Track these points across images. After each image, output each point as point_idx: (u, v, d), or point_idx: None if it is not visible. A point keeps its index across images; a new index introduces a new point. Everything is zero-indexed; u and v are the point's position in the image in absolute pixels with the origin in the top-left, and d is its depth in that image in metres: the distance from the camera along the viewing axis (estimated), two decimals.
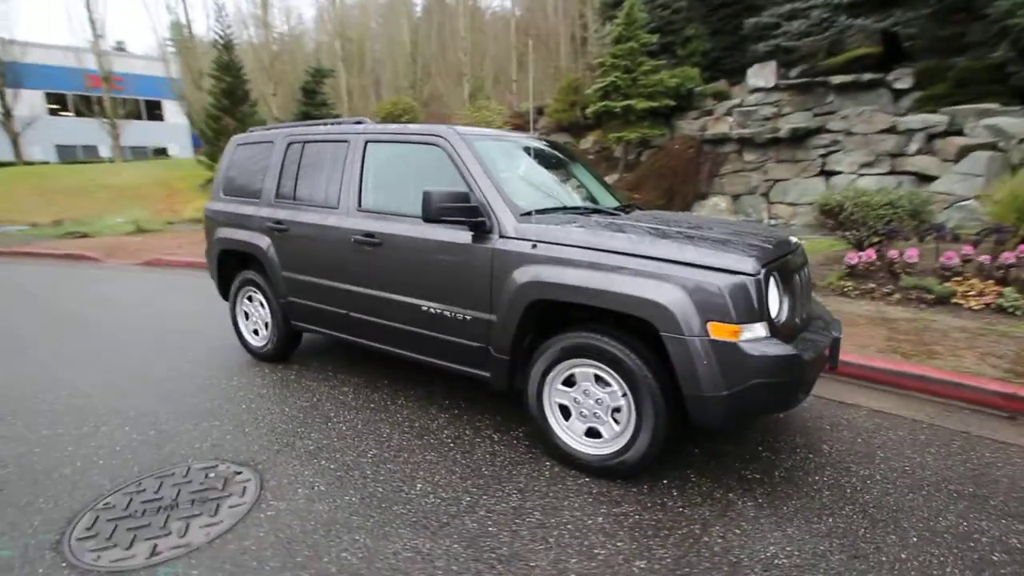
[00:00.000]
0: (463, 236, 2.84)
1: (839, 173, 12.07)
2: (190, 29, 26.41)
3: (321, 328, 3.73)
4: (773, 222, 13.01)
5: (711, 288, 2.19)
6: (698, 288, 2.21)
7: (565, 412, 2.67)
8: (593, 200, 3.45)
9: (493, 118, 18.42)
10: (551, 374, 2.64)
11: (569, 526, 2.25)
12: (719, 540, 2.16)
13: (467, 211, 2.72)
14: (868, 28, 14.66)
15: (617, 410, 2.50)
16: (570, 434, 2.65)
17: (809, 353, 2.32)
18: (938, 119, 10.90)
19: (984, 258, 4.89)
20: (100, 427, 3.16)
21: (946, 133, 10.74)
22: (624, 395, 2.45)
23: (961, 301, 4.74)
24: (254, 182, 4.02)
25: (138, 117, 33.08)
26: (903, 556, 2.07)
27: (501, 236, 2.72)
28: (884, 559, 2.06)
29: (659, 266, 2.30)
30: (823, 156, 12.45)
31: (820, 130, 12.59)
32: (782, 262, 2.48)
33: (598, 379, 2.53)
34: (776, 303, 2.33)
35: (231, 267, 4.30)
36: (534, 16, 25.50)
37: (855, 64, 18.02)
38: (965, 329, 4.26)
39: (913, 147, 11.04)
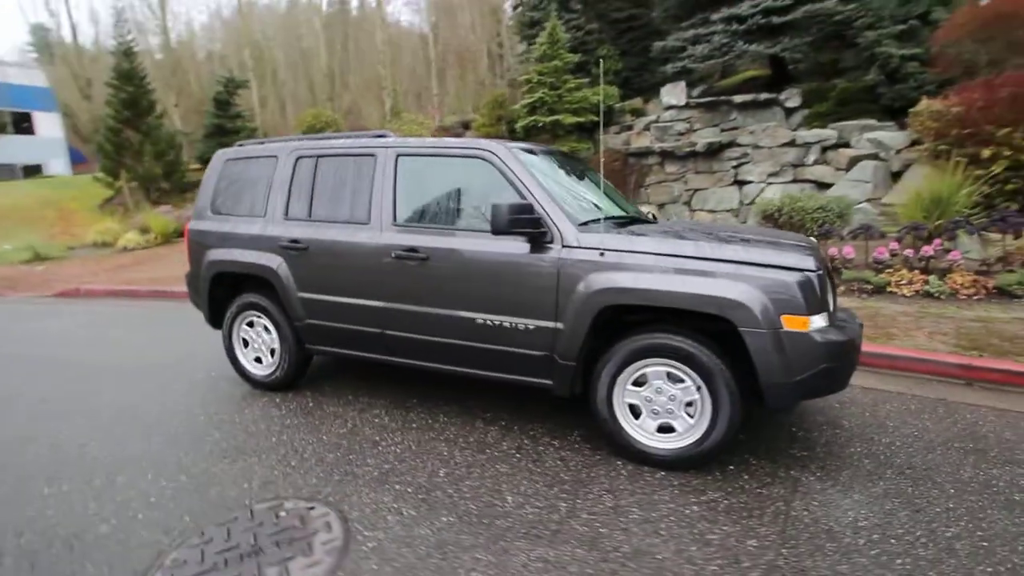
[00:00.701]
0: (521, 247, 2.89)
1: (750, 182, 13.39)
2: (75, 35, 23.58)
3: (346, 350, 3.57)
4: None
5: (783, 285, 2.44)
6: (771, 285, 2.45)
7: (634, 411, 2.80)
8: (621, 209, 3.63)
9: (421, 132, 18.30)
10: (621, 375, 2.76)
11: (671, 517, 2.37)
12: (805, 513, 2.39)
13: (532, 223, 2.78)
14: (760, 53, 16.42)
15: (689, 404, 2.67)
16: (642, 432, 2.78)
17: (858, 338, 2.64)
18: (829, 133, 12.45)
19: (908, 252, 5.72)
20: (115, 478, 2.80)
21: (836, 145, 12.30)
22: (698, 388, 2.63)
23: (895, 290, 5.50)
24: (254, 199, 3.77)
25: (2, 131, 28.88)
26: (950, 506, 2.42)
27: (564, 246, 2.80)
28: (938, 510, 2.39)
29: (731, 267, 2.52)
30: (735, 167, 13.74)
31: (731, 144, 13.89)
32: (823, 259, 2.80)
33: (670, 376, 2.68)
34: (829, 296, 2.63)
35: (224, 291, 3.97)
36: (454, 32, 25.75)
37: (748, 84, 20.08)
38: (907, 313, 4.96)
39: (811, 158, 12.52)
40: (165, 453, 3.04)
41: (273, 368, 3.84)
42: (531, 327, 2.90)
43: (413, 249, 3.13)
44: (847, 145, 12.23)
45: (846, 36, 15.49)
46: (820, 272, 2.49)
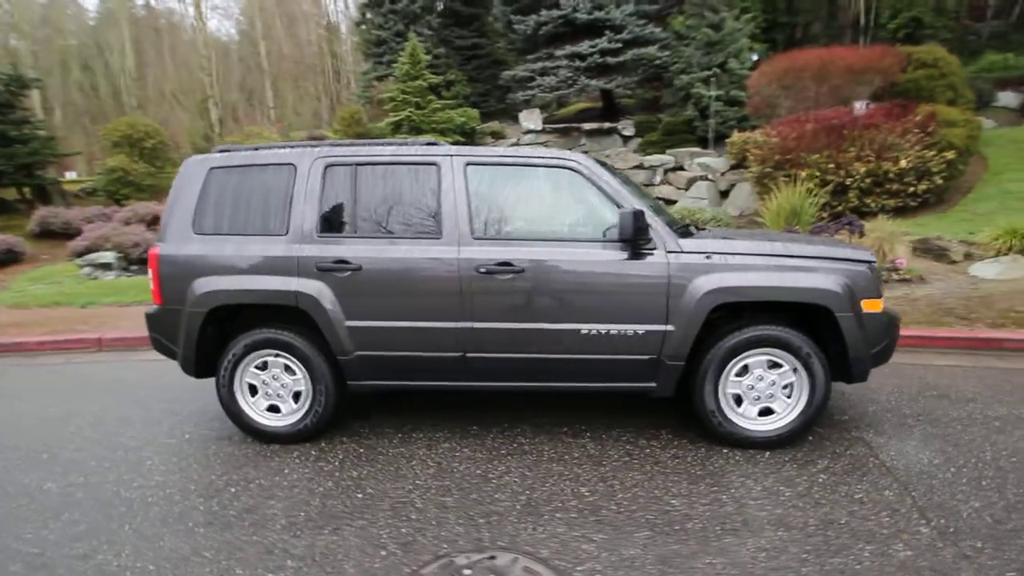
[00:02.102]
0: (620, 254, 2.94)
1: None
2: None
3: (409, 381, 3.17)
4: None
5: (861, 275, 2.92)
6: (853, 276, 2.90)
7: (737, 400, 3.03)
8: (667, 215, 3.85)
9: None
10: (727, 368, 2.97)
11: (813, 488, 2.63)
12: (895, 462, 2.85)
13: (644, 230, 2.85)
14: (599, 87, 18.52)
15: (786, 387, 3.00)
16: (745, 418, 3.02)
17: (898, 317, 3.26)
18: (667, 158, 14.58)
19: None
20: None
21: (675, 168, 14.46)
22: (795, 371, 2.97)
23: None
24: (266, 214, 3.13)
25: None
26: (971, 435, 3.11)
27: (669, 251, 2.93)
28: (969, 438, 3.05)
29: (821, 263, 2.92)
30: None
31: None
32: None
33: (770, 364, 2.98)
34: None
35: (217, 329, 3.20)
36: (290, 44, 23.79)
37: (582, 114, 22.43)
38: None
39: (657, 179, 14.50)
40: (243, 544, 2.33)
41: (300, 415, 3.19)
42: (640, 332, 2.95)
43: (506, 263, 2.94)
44: (683, 168, 14.48)
45: (664, 78, 18.36)
46: (876, 263, 3.04)
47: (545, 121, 19.81)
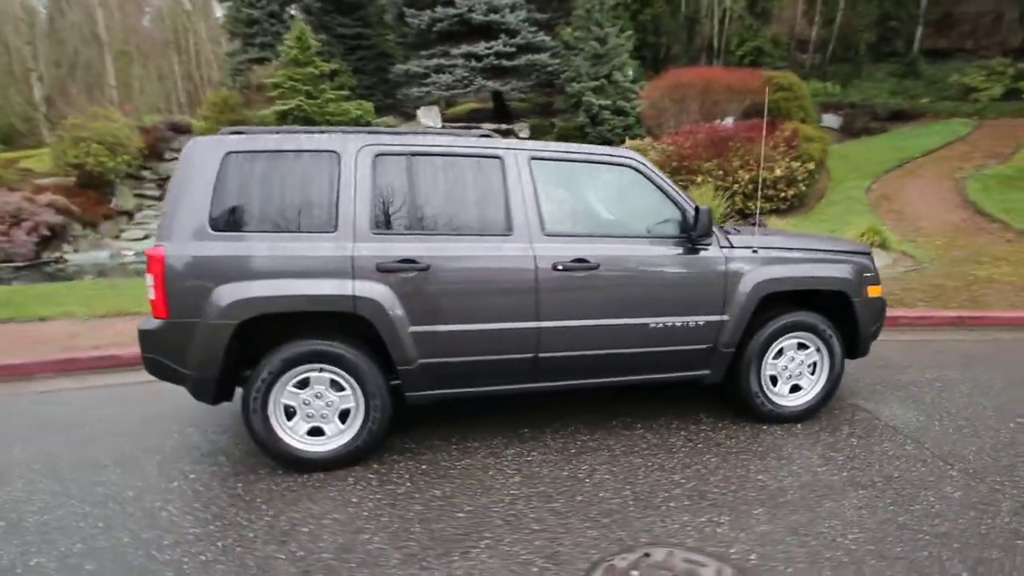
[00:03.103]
0: (678, 249, 3.08)
1: None
2: None
3: (475, 388, 2.97)
4: None
5: (866, 266, 3.39)
6: (860, 267, 3.37)
7: (773, 380, 3.34)
8: None
9: (121, 132, 14.09)
10: (767, 352, 3.27)
11: (856, 451, 3.02)
12: (896, 423, 3.38)
13: (711, 226, 3.02)
14: (495, 89, 18.79)
15: (811, 365, 3.38)
16: (780, 395, 3.34)
17: None
18: None
19: None
20: None
21: None
22: (818, 350, 3.36)
23: None
24: (308, 208, 2.72)
25: None
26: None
27: (722, 246, 3.14)
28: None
29: (839, 256, 3.35)
30: None
31: None
32: None
33: (799, 345, 3.34)
34: None
35: (239, 344, 2.70)
36: (133, 15, 20.26)
37: (473, 114, 22.62)
38: None
39: None
40: None
41: (351, 436, 2.82)
42: (701, 323, 3.11)
43: (581, 259, 2.91)
44: None
45: (556, 84, 19.22)
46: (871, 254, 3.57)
47: (442, 120, 19.62)
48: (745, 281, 3.13)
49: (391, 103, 21.49)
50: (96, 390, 4.22)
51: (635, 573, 2.07)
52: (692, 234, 3.03)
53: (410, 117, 20.42)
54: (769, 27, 21.40)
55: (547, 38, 18.90)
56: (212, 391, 2.72)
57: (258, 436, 2.73)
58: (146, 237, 13.44)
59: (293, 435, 2.79)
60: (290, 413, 2.79)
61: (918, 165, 12.65)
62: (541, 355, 2.95)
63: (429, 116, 17.46)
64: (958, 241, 8.42)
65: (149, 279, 2.63)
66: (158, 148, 15.71)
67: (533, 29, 18.72)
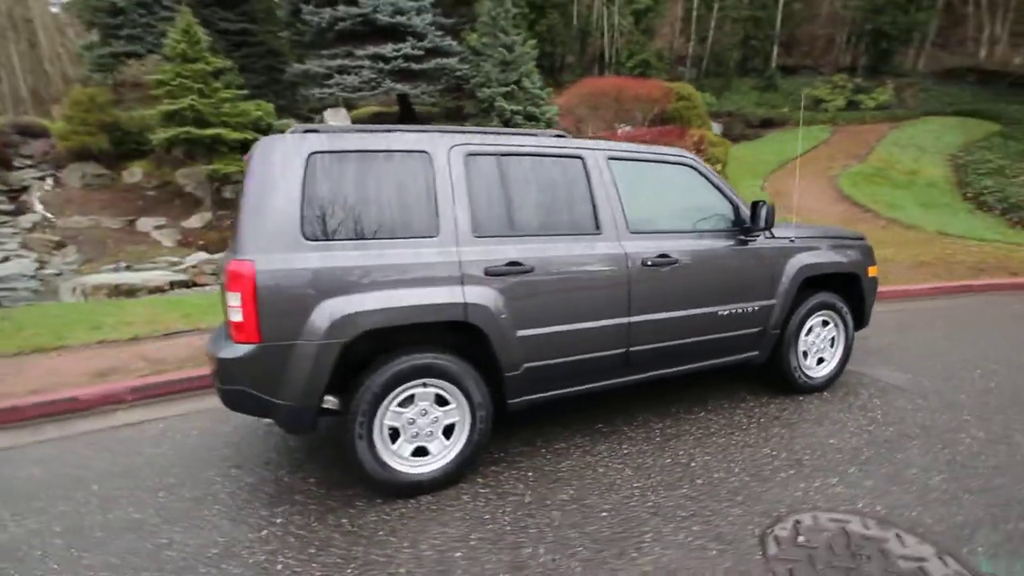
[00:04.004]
0: (731, 240, 3.33)
1: None
2: None
3: (569, 387, 2.93)
4: None
5: (867, 249, 3.91)
6: (863, 250, 3.88)
7: (804, 356, 3.72)
8: None
9: None
10: (801, 331, 3.64)
11: (888, 411, 3.48)
12: (898, 393, 3.94)
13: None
14: (405, 92, 18.38)
15: (831, 340, 3.82)
16: (812, 369, 3.73)
17: None
18: None
19: None
20: None
21: None
22: (836, 326, 3.81)
23: None
24: (406, 211, 2.52)
25: None
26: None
27: (768, 236, 3.44)
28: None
29: (847, 242, 3.81)
30: None
31: None
32: None
33: (824, 322, 3.76)
34: None
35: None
36: None
37: (378, 118, 21.93)
38: None
39: None
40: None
41: (456, 452, 2.65)
42: (756, 308, 3.38)
43: (664, 255, 3.02)
44: None
45: (465, 89, 19.25)
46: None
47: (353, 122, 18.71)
48: (788, 268, 3.47)
49: (284, 104, 20.10)
50: (64, 442, 3.49)
51: (802, 539, 2.22)
52: (747, 226, 3.29)
53: (307, 119, 19.23)
54: (653, 42, 23.34)
55: (454, 43, 18.87)
56: (311, 421, 2.42)
57: (364, 465, 2.48)
58: (5, 259, 11.19)
59: (399, 458, 2.57)
60: (395, 435, 2.57)
61: (796, 166, 14.62)
62: (632, 349, 3.02)
63: (337, 119, 16.59)
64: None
65: (234, 299, 2.27)
66: (4, 155, 13.19)
67: (440, 33, 18.61)
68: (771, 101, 22.46)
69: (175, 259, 11.92)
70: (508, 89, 17.76)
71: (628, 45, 23.05)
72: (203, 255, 12.11)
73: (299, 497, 2.67)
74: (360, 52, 17.45)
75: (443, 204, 2.59)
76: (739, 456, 2.93)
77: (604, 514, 2.45)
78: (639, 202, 3.13)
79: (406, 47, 17.52)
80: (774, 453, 2.95)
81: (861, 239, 3.99)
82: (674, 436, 3.19)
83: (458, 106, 19.80)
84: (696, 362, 3.33)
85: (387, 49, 17.30)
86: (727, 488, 2.63)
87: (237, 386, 2.32)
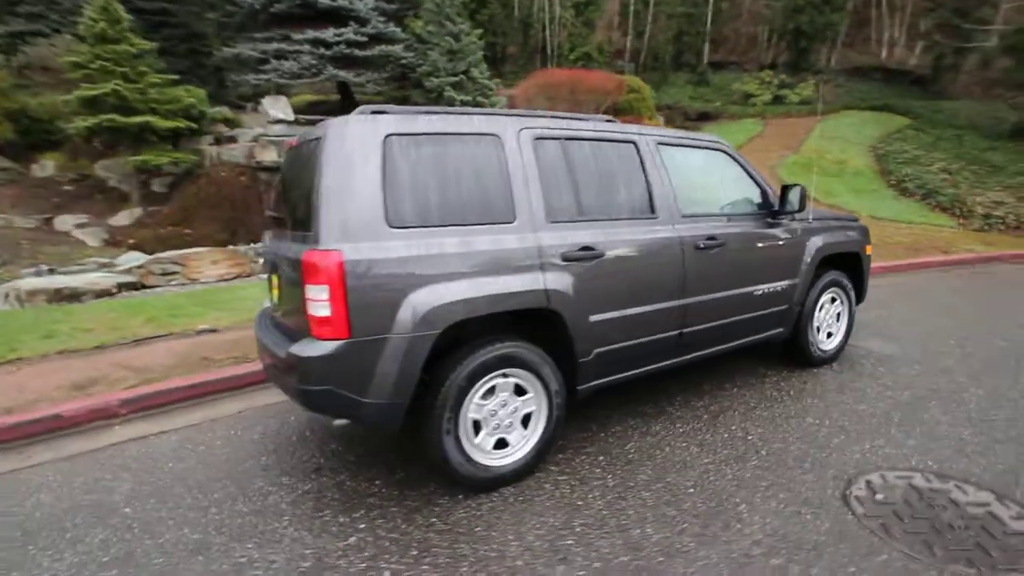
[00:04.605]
0: (773, 223, 3.49)
1: None
2: None
3: (632, 371, 2.96)
4: None
5: (864, 230, 4.21)
6: (862, 231, 4.18)
7: (817, 331, 3.97)
8: None
9: None
10: (816, 307, 3.87)
11: (897, 378, 3.79)
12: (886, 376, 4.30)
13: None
14: (350, 80, 17.65)
15: (837, 315, 4.10)
16: (824, 342, 3.99)
17: None
18: None
19: None
20: None
21: None
22: (841, 302, 4.09)
23: None
24: (482, 196, 2.43)
25: None
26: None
27: (793, 219, 3.62)
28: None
29: (848, 224, 4.10)
30: None
31: None
32: None
33: (832, 299, 4.02)
34: None
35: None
36: None
37: (316, 107, 20.94)
38: None
39: None
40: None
41: (534, 442, 2.61)
42: (784, 287, 3.57)
43: (712, 237, 3.11)
44: None
45: (411, 78, 18.75)
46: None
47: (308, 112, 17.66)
48: (809, 248, 3.68)
49: (211, 91, 18.72)
50: (62, 464, 3.10)
51: (879, 496, 2.39)
52: (775, 209, 3.45)
53: (237, 107, 18.04)
54: (594, 35, 23.79)
55: (398, 29, 18.29)
56: (400, 419, 2.29)
57: (451, 460, 2.39)
58: None
59: (483, 452, 2.50)
60: (477, 428, 2.49)
61: None
62: (685, 330, 3.10)
63: (277, 107, 15.58)
64: None
65: (318, 292, 2.10)
66: None
67: (383, 19, 17.97)
68: (704, 95, 23.58)
69: (104, 260, 10.82)
70: (457, 79, 17.52)
71: (570, 38, 23.35)
72: (138, 255, 11.07)
73: (373, 500, 2.53)
74: (299, 36, 16.54)
75: (518, 189, 2.52)
76: (788, 427, 3.09)
77: (691, 490, 2.51)
78: (685, 186, 3.20)
79: (348, 32, 16.79)
80: (817, 422, 3.14)
81: (856, 220, 4.31)
82: (719, 412, 3.31)
83: (404, 95, 19.26)
84: (735, 340, 3.46)
85: (328, 34, 16.51)
86: (791, 456, 2.77)
87: (324, 386, 2.16)
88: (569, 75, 13.75)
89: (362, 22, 17.12)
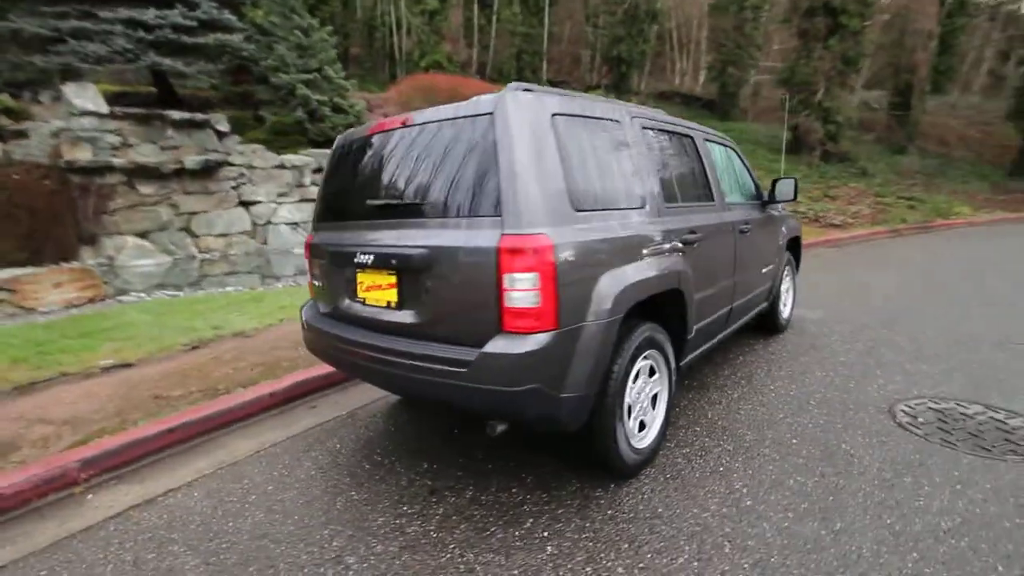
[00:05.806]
0: (764, 209, 4.04)
1: (259, 203, 12.95)
2: None
3: (703, 347, 3.17)
4: (207, 256, 12.20)
5: (797, 222, 5.11)
6: (796, 219, 5.06)
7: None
8: None
9: None
10: (781, 283, 4.59)
11: (870, 343, 4.68)
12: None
13: None
14: (178, 69, 15.17)
15: (788, 289, 4.89)
16: (784, 312, 4.74)
17: None
18: (308, 159, 13.97)
19: None
20: None
21: (318, 169, 14.02)
22: (793, 278, 4.90)
23: None
24: (618, 181, 2.43)
25: None
26: None
27: (773, 206, 4.24)
28: None
29: (790, 212, 4.92)
30: (235, 188, 12.80)
31: (224, 164, 12.77)
32: None
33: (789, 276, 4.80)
34: None
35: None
36: None
37: (123, 99, 17.69)
38: None
39: (307, 179, 13.68)
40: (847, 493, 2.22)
41: (662, 420, 2.68)
42: (770, 268, 4.16)
43: (746, 222, 3.52)
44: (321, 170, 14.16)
45: (254, 72, 16.81)
46: None
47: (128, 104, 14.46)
48: (784, 233, 4.36)
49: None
50: (45, 558, 2.23)
51: (920, 419, 2.98)
52: (765, 200, 4.02)
53: (14, 95, 14.29)
54: (444, 44, 23.99)
55: (234, 18, 16.30)
56: (588, 412, 2.18)
57: (620, 448, 2.35)
58: None
59: (630, 438, 2.50)
60: (629, 410, 2.48)
61: None
62: (734, 306, 3.45)
63: (85, 96, 12.62)
64: None
65: (525, 281, 1.91)
66: None
67: (215, 4, 15.85)
68: None
69: None
70: (311, 76, 16.26)
71: (419, 45, 23.21)
72: None
73: (528, 508, 2.35)
74: (108, 15, 13.78)
75: (643, 175, 2.58)
76: (808, 379, 3.64)
77: (794, 442, 2.83)
78: (723, 177, 3.57)
79: (174, 15, 14.48)
80: (824, 373, 3.75)
81: (793, 213, 5.20)
82: (745, 378, 3.73)
83: (246, 91, 17.19)
84: (747, 315, 3.93)
85: (149, 15, 14.03)
86: (836, 401, 3.27)
87: (531, 384, 1.96)
88: (449, 80, 13.74)
89: (191, 5, 14.87)
